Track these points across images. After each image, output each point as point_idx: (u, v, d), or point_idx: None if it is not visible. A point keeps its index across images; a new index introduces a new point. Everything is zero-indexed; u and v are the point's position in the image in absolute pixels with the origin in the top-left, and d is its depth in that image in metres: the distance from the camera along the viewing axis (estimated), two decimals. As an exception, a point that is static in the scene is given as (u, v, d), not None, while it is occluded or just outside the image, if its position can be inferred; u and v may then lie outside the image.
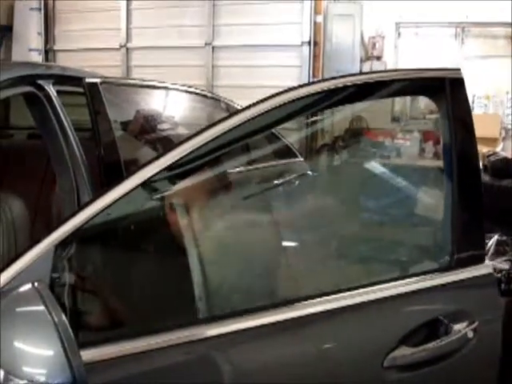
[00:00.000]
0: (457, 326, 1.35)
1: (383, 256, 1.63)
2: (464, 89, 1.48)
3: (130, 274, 1.32)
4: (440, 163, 1.57)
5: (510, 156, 4.59)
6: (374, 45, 6.72)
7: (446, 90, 1.47)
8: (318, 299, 1.31)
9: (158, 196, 1.37)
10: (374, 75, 1.49)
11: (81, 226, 1.14)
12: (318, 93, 1.40)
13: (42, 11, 6.63)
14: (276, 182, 2.45)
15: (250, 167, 2.12)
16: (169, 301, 1.31)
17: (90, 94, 2.11)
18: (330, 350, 1.31)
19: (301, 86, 1.41)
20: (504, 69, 6.37)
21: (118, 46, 6.37)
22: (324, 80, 1.44)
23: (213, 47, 6.01)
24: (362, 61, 6.42)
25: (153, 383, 1.16)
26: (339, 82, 1.42)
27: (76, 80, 2.19)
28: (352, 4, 5.97)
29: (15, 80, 1.89)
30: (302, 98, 1.37)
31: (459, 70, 1.49)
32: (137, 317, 1.27)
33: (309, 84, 1.54)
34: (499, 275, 1.51)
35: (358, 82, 1.44)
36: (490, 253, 1.70)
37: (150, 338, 1.15)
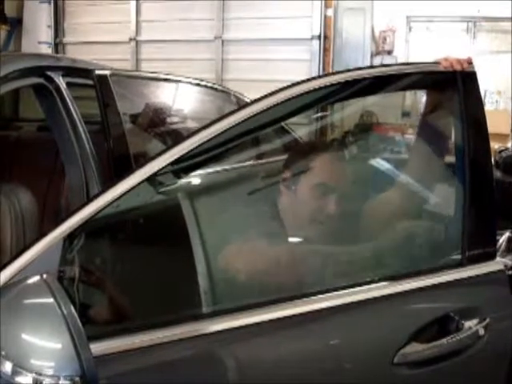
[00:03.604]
0: (468, 323, 1.34)
1: (394, 252, 1.62)
2: (476, 82, 1.46)
3: (137, 266, 1.31)
4: (451, 158, 1.55)
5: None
6: (385, 39, 6.67)
7: (457, 83, 1.45)
8: (327, 294, 1.30)
9: (166, 189, 1.37)
10: (383, 69, 1.47)
11: (89, 218, 1.13)
12: (328, 86, 1.39)
13: (52, 4, 6.62)
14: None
15: (259, 161, 2.11)
16: (175, 294, 1.30)
17: (100, 87, 2.10)
18: (340, 346, 1.30)
19: (311, 79, 1.39)
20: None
21: (127, 40, 6.35)
22: (332, 73, 1.42)
23: (222, 41, 5.99)
24: (372, 55, 6.37)
25: (162, 377, 1.15)
26: (348, 76, 1.40)
27: (85, 72, 2.19)
28: (363, -2, 5.92)
29: (24, 71, 1.88)
30: (313, 91, 1.36)
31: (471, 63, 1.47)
32: (145, 310, 1.26)
33: (319, 77, 1.53)
34: (511, 272, 1.49)
35: (367, 76, 1.42)
36: (501, 250, 1.68)
37: (159, 331, 1.14)
